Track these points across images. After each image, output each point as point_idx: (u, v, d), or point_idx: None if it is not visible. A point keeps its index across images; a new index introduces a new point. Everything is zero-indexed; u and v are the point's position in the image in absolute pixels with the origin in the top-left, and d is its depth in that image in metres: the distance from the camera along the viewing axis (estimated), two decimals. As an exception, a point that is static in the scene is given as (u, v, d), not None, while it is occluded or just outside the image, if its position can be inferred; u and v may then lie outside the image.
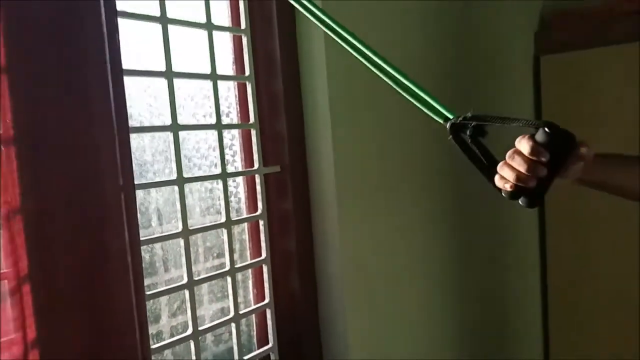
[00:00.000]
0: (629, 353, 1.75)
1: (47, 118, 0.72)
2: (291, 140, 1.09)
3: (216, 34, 0.99)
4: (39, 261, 0.71)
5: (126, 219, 0.81)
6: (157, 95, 0.92)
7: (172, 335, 0.95)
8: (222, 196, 1.00)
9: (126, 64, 0.80)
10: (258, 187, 1.07)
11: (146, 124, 0.91)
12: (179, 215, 0.92)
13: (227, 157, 1.03)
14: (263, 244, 1.08)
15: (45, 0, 0.71)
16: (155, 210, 0.94)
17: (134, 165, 0.82)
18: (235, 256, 1.03)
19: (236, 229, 1.06)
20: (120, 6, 0.81)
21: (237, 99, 1.06)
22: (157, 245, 0.95)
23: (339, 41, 0.74)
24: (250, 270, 1.08)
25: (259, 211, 1.07)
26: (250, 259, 1.08)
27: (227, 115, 1.05)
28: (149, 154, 0.92)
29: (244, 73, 1.05)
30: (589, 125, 1.77)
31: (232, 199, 1.05)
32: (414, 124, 1.29)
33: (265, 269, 1.08)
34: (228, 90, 1.05)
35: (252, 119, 1.06)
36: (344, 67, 1.10)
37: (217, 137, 0.99)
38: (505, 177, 0.67)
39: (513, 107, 1.83)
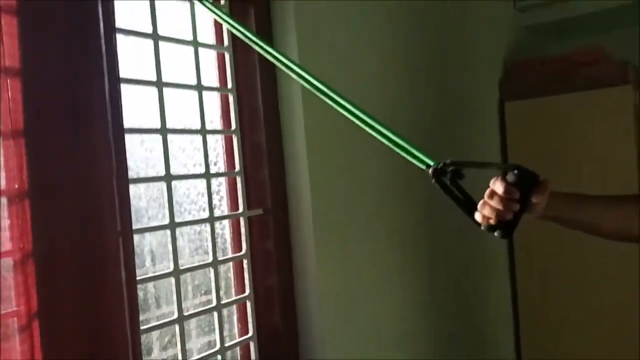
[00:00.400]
0: (599, 353, 1.85)
1: (57, 173, 0.82)
2: (273, 185, 1.21)
3: (206, 93, 1.11)
4: (48, 299, 0.80)
5: (123, 260, 0.90)
6: (152, 148, 1.03)
7: (162, 367, 1.04)
8: (209, 238, 1.10)
9: (126, 122, 0.92)
10: (242, 229, 1.18)
11: (142, 174, 1.02)
12: (171, 256, 1.02)
13: (214, 201, 1.13)
14: (247, 281, 1.18)
15: (58, 74, 0.82)
16: (149, 251, 1.04)
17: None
18: (221, 293, 1.13)
19: (222, 268, 1.16)
20: (122, 70, 0.93)
21: (224, 149, 1.17)
22: (150, 284, 1.04)
23: (318, 94, 0.87)
24: (235, 306, 1.18)
25: (243, 251, 1.18)
26: (235, 296, 1.18)
27: (215, 164, 1.16)
28: (144, 201, 1.03)
29: (231, 127, 1.17)
30: (552, 165, 1.92)
31: (218, 240, 1.15)
32: (387, 166, 1.42)
33: (248, 304, 1.18)
34: (216, 142, 1.17)
35: (237, 168, 1.17)
36: (321, 119, 1.23)
37: (205, 185, 1.10)
38: (486, 214, 0.79)
39: (481, 150, 1.97)
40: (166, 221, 1.01)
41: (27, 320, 0.79)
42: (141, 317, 0.99)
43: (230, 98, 1.17)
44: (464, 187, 0.80)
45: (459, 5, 1.87)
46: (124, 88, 0.92)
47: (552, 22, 2.22)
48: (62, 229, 0.83)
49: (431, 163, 0.78)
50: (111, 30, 0.90)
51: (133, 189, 1.00)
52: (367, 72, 1.41)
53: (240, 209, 1.18)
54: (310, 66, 1.12)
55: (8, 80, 0.79)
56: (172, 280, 1.01)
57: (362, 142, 1.32)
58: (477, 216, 0.81)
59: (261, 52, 0.95)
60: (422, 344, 1.57)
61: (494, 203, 0.78)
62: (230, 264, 1.18)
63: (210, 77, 1.16)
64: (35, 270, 0.79)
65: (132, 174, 0.98)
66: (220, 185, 1.18)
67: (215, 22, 1.17)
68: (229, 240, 1.18)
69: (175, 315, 1.01)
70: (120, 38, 0.94)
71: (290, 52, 1.19)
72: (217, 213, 1.15)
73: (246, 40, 0.97)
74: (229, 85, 1.17)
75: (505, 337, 2.07)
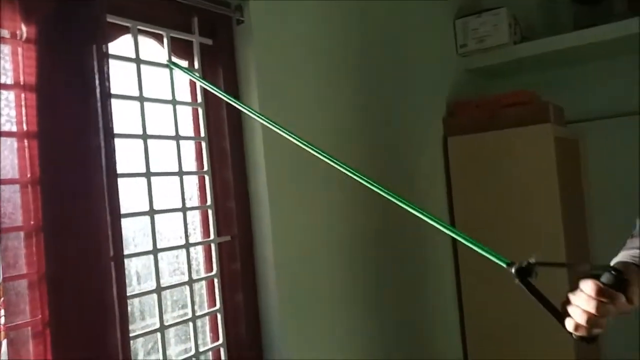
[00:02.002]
0: (544, 352, 2.07)
1: (65, 211, 1.04)
2: (239, 216, 1.44)
3: (183, 142, 1.35)
4: (57, 312, 1.02)
5: (115, 280, 1.12)
6: (139, 188, 1.26)
7: (146, 369, 1.25)
8: (185, 261, 1.33)
9: (118, 168, 1.14)
10: (213, 253, 1.41)
11: (131, 210, 1.24)
12: (154, 276, 1.24)
13: (189, 230, 1.36)
14: (217, 297, 1.40)
15: (66, 134, 1.05)
16: (136, 272, 1.26)
17: (120, 240, 1.14)
18: (196, 307, 1.35)
19: (196, 286, 1.38)
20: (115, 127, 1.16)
21: (198, 187, 1.41)
22: (137, 299, 1.26)
23: (280, 132, 1.11)
24: (207, 318, 1.40)
25: (214, 271, 1.40)
26: (207, 309, 1.40)
27: (190, 199, 1.40)
28: (131, 231, 1.25)
29: (203, 168, 1.41)
30: (488, 195, 2.20)
31: (193, 262, 1.38)
32: (340, 194, 1.67)
33: (219, 316, 1.40)
34: (191, 181, 1.40)
35: (209, 202, 1.41)
36: (279, 159, 1.47)
37: (182, 217, 1.33)
38: (576, 319, 0.71)
39: (428, 180, 2.23)
40: (150, 247, 1.24)
41: (42, 328, 1.01)
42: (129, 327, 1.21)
43: (203, 144, 1.41)
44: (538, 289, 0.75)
45: (410, 51, 2.16)
46: (117, 141, 1.16)
47: (490, 66, 2.54)
48: (68, 256, 1.04)
49: (507, 261, 0.74)
50: (106, 96, 1.14)
51: (123, 222, 1.22)
52: (322, 119, 1.66)
53: (211, 236, 1.41)
54: (270, 113, 1.39)
55: (27, 142, 1.02)
56: (155, 296, 1.24)
57: (318, 176, 1.58)
58: (569, 325, 0.74)
59: (232, 103, 1.21)
60: (373, 347, 1.81)
61: (588, 307, 0.70)
62: (203, 282, 1.40)
63: (187, 128, 1.40)
64: (47, 289, 1.01)
65: (123, 210, 1.21)
66: (194, 217, 1.41)
67: (190, 82, 1.42)
68: (202, 262, 1.41)
69: (158, 325, 1.23)
70: (113, 101, 1.17)
71: (253, 106, 1.44)
72: (191, 240, 1.37)
73: (220, 95, 1.23)
74: (202, 134, 1.41)
75: (453, 342, 2.31)
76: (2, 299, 0.89)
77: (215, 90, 1.28)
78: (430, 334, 2.16)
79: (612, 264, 0.92)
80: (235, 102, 1.24)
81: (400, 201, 0.96)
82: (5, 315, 0.90)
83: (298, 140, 1.10)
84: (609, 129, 2.52)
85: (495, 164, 2.21)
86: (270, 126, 1.15)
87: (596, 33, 2.24)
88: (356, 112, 1.82)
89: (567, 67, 2.61)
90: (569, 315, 0.73)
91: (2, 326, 0.88)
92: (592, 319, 0.70)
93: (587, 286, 0.71)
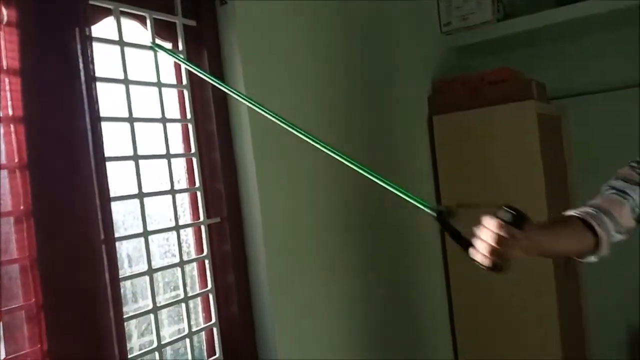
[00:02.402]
0: (531, 354, 2.14)
1: (53, 196, 1.05)
2: (228, 197, 1.45)
3: (169, 124, 1.35)
4: (51, 291, 1.02)
5: (107, 263, 1.13)
6: (127, 172, 1.26)
7: (140, 349, 1.27)
8: (176, 243, 1.34)
9: (106, 152, 1.14)
10: (203, 235, 1.42)
11: (120, 194, 1.24)
12: (145, 258, 1.25)
13: (179, 213, 1.37)
14: (208, 278, 1.42)
15: (52, 118, 1.05)
16: (127, 255, 1.27)
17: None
18: (188, 288, 1.36)
19: (187, 267, 1.40)
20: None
21: (186, 169, 1.42)
22: (129, 282, 1.27)
23: (265, 114, 1.13)
24: (199, 298, 1.42)
25: (205, 253, 1.42)
26: (199, 290, 1.42)
27: (178, 182, 1.40)
28: (121, 215, 1.26)
29: (191, 150, 1.41)
30: (473, 171, 2.24)
31: (183, 244, 1.39)
32: (328, 175, 1.68)
33: (210, 297, 1.42)
34: (179, 164, 1.41)
35: (197, 184, 1.42)
36: (266, 139, 1.48)
37: (171, 199, 1.33)
38: (481, 251, 0.82)
39: (413, 157, 2.26)
40: (140, 230, 1.25)
41: (36, 312, 1.02)
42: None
43: (190, 127, 1.41)
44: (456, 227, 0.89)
45: (394, 30, 2.16)
46: (104, 125, 1.16)
47: (474, 44, 2.55)
48: (59, 240, 1.05)
49: (430, 206, 0.88)
50: (91, 79, 1.13)
51: (112, 205, 1.23)
52: (306, 98, 1.67)
53: (201, 218, 1.42)
54: (255, 93, 1.40)
55: (13, 126, 1.02)
56: (147, 278, 1.25)
57: (304, 156, 1.59)
58: (476, 255, 0.84)
59: (215, 84, 1.22)
60: (365, 322, 1.84)
61: (490, 240, 0.81)
62: (194, 264, 1.42)
63: (173, 110, 1.40)
64: (40, 273, 1.02)
65: (112, 194, 1.21)
66: (183, 199, 1.42)
67: (175, 64, 1.41)
68: (192, 244, 1.42)
69: (151, 307, 1.25)
70: (98, 85, 1.16)
71: (238, 86, 1.44)
72: (181, 222, 1.38)
73: (203, 77, 1.23)
74: (188, 116, 1.41)
75: (443, 339, 2.36)
76: (-5, 283, 0.90)
77: (200, 72, 1.28)
78: (420, 334, 2.20)
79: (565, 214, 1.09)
80: (218, 83, 1.25)
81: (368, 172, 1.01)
82: (1, 299, 0.90)
83: (281, 121, 1.11)
84: (590, 105, 2.55)
85: (479, 141, 2.24)
86: (253, 107, 1.16)
87: (578, 9, 2.26)
88: (340, 91, 1.83)
89: (549, 43, 2.64)
90: (473, 247, 0.85)
91: (-3, 309, 0.89)
92: (492, 250, 0.80)
93: (489, 222, 0.81)
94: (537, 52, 2.67)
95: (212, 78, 1.26)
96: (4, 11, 1.01)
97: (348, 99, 1.87)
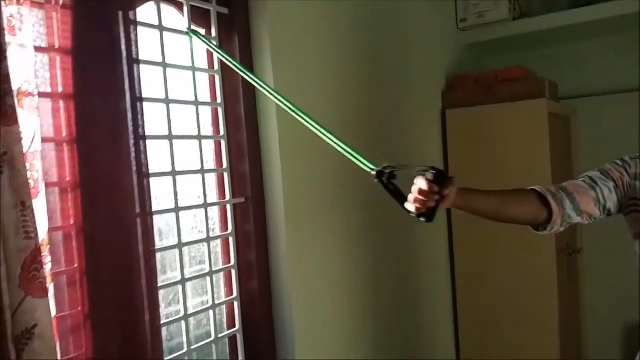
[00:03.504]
0: (529, 355, 2.22)
1: (97, 170, 1.12)
2: (252, 179, 1.52)
3: (201, 107, 1.42)
4: (93, 261, 1.10)
5: (142, 235, 1.20)
6: (162, 152, 1.33)
7: (167, 318, 1.34)
8: (204, 219, 1.41)
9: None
10: (228, 213, 1.49)
11: (154, 171, 1.31)
12: (175, 232, 1.32)
13: (207, 192, 1.44)
14: (232, 254, 1.50)
15: (98, 97, 1.12)
16: (158, 229, 1.34)
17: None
18: (212, 263, 1.44)
19: (212, 243, 1.47)
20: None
21: (214, 151, 1.49)
22: (158, 254, 1.34)
23: (287, 109, 1.19)
24: (222, 273, 1.49)
25: (229, 230, 1.49)
26: (222, 265, 1.50)
27: (207, 163, 1.47)
28: (155, 191, 1.32)
29: (219, 133, 1.48)
30: (483, 163, 2.30)
31: (210, 221, 1.46)
32: (346, 165, 1.75)
33: (233, 272, 1.50)
34: (208, 146, 1.48)
35: (224, 165, 1.49)
36: (291, 124, 1.52)
37: (201, 179, 1.41)
38: (415, 204, 1.02)
39: (427, 149, 2.33)
40: (172, 206, 1.32)
41: (79, 277, 1.09)
42: (152, 280, 1.30)
43: (219, 110, 1.48)
44: (397, 186, 1.06)
45: (411, 25, 2.22)
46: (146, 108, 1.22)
47: (489, 41, 2.60)
48: (100, 211, 1.12)
49: (374, 167, 1.06)
50: (134, 61, 1.20)
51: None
52: (328, 88, 1.73)
53: (227, 198, 1.49)
54: (281, 84, 1.46)
55: (63, 102, 1.08)
56: (176, 251, 1.32)
57: (326, 145, 1.65)
58: (408, 206, 1.04)
59: (243, 75, 1.28)
60: (374, 302, 1.92)
61: (416, 192, 1.01)
62: (219, 240, 1.49)
63: (204, 94, 1.46)
64: (84, 241, 1.09)
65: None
66: (211, 179, 1.49)
67: (207, 50, 1.47)
68: (217, 222, 1.50)
69: (179, 278, 1.32)
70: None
71: (266, 73, 1.50)
72: (209, 200, 1.45)
73: (233, 67, 1.30)
74: (218, 100, 1.48)
75: (446, 338, 2.44)
76: (48, 247, 0.97)
77: (229, 61, 1.34)
78: (424, 333, 2.27)
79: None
80: (244, 72, 1.30)
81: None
82: (52, 262, 0.98)
83: (301, 116, 1.18)
84: (600, 106, 2.61)
85: (490, 137, 2.30)
86: (276, 100, 1.22)
87: (593, 12, 2.31)
88: (359, 84, 1.89)
89: (563, 44, 2.69)
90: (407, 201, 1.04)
91: (50, 272, 0.96)
92: (420, 201, 1.01)
93: (418, 180, 1.01)
94: (550, 51, 2.73)
95: (238, 65, 1.32)
96: (61, -6, 1.07)
97: (366, 91, 1.93)
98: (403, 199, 1.06)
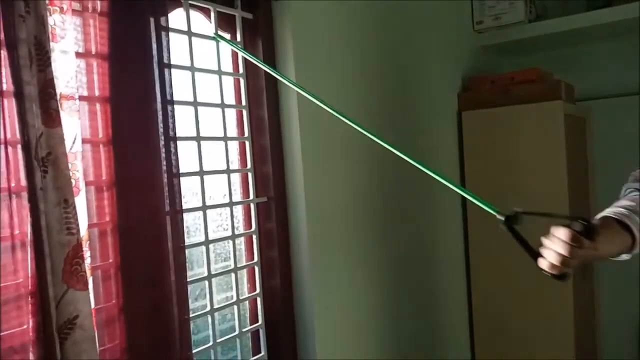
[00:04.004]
0: (544, 354, 2.24)
1: (131, 170, 1.17)
2: (275, 179, 1.57)
3: (226, 109, 1.47)
4: (127, 256, 1.15)
5: (171, 232, 1.25)
6: (190, 153, 1.38)
7: (193, 312, 1.39)
8: (229, 217, 1.46)
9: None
10: (252, 212, 1.54)
11: (183, 171, 1.36)
12: (202, 229, 1.38)
13: (232, 191, 1.49)
14: (255, 252, 1.55)
15: (131, 100, 1.17)
16: (185, 227, 1.39)
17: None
18: (237, 259, 1.49)
19: (237, 241, 1.52)
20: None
21: (239, 152, 1.54)
22: (186, 251, 1.39)
23: (315, 100, 1.23)
24: (245, 270, 1.55)
25: (253, 228, 1.54)
26: (246, 262, 1.55)
27: (232, 163, 1.52)
28: (182, 190, 1.38)
29: (244, 134, 1.53)
30: (498, 165, 2.33)
31: (234, 220, 1.51)
32: (366, 166, 1.79)
33: (256, 269, 1.55)
34: (232, 147, 1.53)
35: (248, 165, 1.54)
36: (313, 126, 1.59)
37: (226, 178, 1.46)
38: (550, 260, 0.84)
39: (442, 151, 2.36)
40: (199, 204, 1.37)
41: (114, 271, 1.15)
42: (180, 275, 1.35)
43: (244, 112, 1.53)
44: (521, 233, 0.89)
45: (428, 26, 2.25)
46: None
47: (505, 43, 2.63)
48: (133, 209, 1.18)
49: (498, 211, 0.88)
50: (165, 65, 1.25)
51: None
52: (347, 88, 1.77)
53: (251, 197, 1.54)
54: (304, 82, 1.50)
55: (100, 105, 1.14)
56: (203, 248, 1.37)
57: (346, 144, 1.70)
58: (543, 263, 0.88)
59: (269, 71, 1.33)
60: (389, 300, 1.96)
61: (561, 250, 0.83)
62: (243, 238, 1.54)
63: (229, 97, 1.51)
64: (119, 238, 1.15)
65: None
66: (235, 179, 1.54)
67: (233, 54, 1.53)
68: (241, 220, 1.55)
69: (205, 274, 1.38)
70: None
71: (289, 75, 1.55)
72: (233, 200, 1.50)
73: (259, 64, 1.35)
74: (243, 103, 1.53)
75: (462, 338, 2.46)
76: (87, 242, 1.03)
77: (257, 61, 1.39)
78: (439, 333, 2.30)
79: (597, 217, 1.08)
80: (274, 72, 1.36)
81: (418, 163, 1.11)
82: (90, 257, 1.03)
83: (329, 107, 1.22)
84: (616, 107, 2.62)
85: (506, 138, 2.33)
86: (305, 94, 1.27)
87: (609, 14, 2.33)
88: (377, 85, 1.93)
89: (579, 46, 2.70)
90: (542, 257, 0.87)
91: (89, 266, 1.01)
92: (564, 260, 0.84)
93: (561, 232, 0.83)
94: (566, 53, 2.74)
95: (267, 66, 1.38)
96: (98, 2, 1.13)
97: (383, 93, 1.97)
98: (532, 251, 0.90)
